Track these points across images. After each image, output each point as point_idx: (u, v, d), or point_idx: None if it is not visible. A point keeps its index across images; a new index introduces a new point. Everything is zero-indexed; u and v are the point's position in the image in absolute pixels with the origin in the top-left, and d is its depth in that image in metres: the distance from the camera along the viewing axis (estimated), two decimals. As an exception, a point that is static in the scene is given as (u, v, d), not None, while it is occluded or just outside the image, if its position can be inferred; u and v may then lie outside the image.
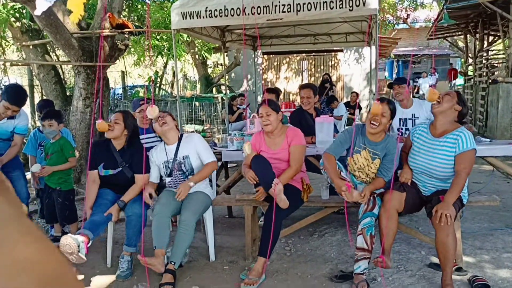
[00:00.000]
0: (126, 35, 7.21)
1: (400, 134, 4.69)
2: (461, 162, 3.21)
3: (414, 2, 24.03)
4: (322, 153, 3.80)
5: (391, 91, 4.95)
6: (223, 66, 10.08)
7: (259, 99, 5.36)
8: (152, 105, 3.66)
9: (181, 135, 3.93)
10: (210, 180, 4.59)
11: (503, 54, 11.98)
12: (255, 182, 3.67)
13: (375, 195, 3.53)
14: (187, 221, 3.57)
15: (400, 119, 4.73)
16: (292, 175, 3.72)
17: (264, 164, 3.65)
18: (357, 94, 11.59)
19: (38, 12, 3.11)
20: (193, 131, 12.38)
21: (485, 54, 12.64)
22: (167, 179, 3.85)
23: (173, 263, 3.48)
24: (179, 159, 3.82)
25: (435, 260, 3.67)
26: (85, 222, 3.58)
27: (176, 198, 3.63)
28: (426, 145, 3.41)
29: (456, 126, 3.35)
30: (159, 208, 3.65)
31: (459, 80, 19.54)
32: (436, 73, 20.29)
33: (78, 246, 3.25)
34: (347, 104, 10.49)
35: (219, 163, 5.04)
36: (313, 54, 17.01)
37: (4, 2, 6.87)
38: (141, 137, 4.44)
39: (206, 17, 5.46)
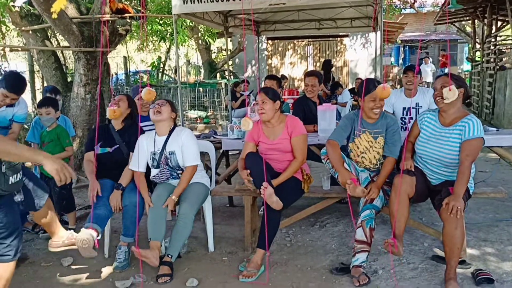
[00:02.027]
0: (128, 20, 7.10)
1: (403, 123, 4.59)
2: (464, 150, 3.13)
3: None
4: (326, 141, 3.70)
5: (404, 76, 4.73)
6: (226, 52, 9.94)
7: (263, 85, 5.27)
8: (148, 87, 3.58)
9: (173, 128, 3.76)
10: (209, 169, 4.53)
11: (511, 40, 11.78)
12: (249, 183, 3.57)
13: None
14: (186, 214, 3.50)
15: (403, 108, 4.62)
16: (297, 168, 3.61)
17: (257, 164, 3.50)
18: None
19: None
20: (196, 118, 12.29)
21: (493, 40, 12.43)
22: (154, 171, 3.72)
23: (170, 256, 3.42)
24: (166, 154, 3.69)
25: (438, 252, 3.61)
26: (92, 216, 3.51)
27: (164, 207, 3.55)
28: (435, 134, 3.34)
29: (465, 113, 3.27)
30: (155, 199, 3.58)
31: (467, 66, 19.24)
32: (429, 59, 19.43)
33: (93, 240, 3.29)
34: (352, 91, 10.35)
35: (220, 151, 4.97)
36: (319, 39, 16.82)
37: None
38: (141, 124, 4.37)
39: (207, 1, 5.36)
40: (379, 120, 3.61)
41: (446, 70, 19.22)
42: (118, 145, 3.86)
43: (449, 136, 3.26)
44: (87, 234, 3.27)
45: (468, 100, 3.36)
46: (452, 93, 3.13)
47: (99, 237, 3.40)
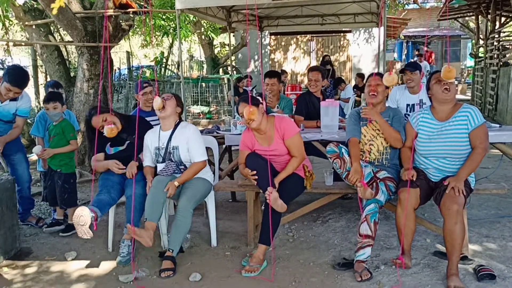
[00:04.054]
0: (131, 15, 7.10)
1: (407, 120, 4.58)
2: (476, 138, 3.23)
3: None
4: (346, 140, 3.71)
5: (403, 76, 4.78)
6: (229, 47, 9.95)
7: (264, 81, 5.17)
8: (155, 96, 3.63)
9: (178, 123, 3.78)
10: (212, 164, 4.54)
11: (515, 35, 11.73)
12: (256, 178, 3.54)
13: (378, 180, 3.47)
14: (184, 208, 3.52)
15: (407, 105, 4.62)
16: (297, 167, 3.61)
17: (259, 165, 3.50)
18: (363, 77, 11.24)
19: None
20: (199, 113, 12.31)
21: (496, 36, 12.38)
22: (160, 166, 3.73)
23: (171, 250, 3.44)
24: (169, 149, 3.70)
25: (441, 248, 3.61)
26: (92, 200, 3.57)
27: (166, 191, 3.56)
28: (435, 131, 3.36)
29: (458, 104, 3.37)
30: (156, 182, 3.60)
31: (470, 62, 19.13)
32: (422, 59, 18.82)
33: (91, 219, 3.32)
34: (355, 87, 10.33)
35: (223, 146, 4.98)
36: (322, 34, 16.78)
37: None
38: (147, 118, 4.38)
39: (210, -4, 5.35)
40: (385, 112, 3.68)
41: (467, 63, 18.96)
42: (129, 141, 3.90)
43: (452, 129, 3.30)
44: (86, 211, 3.31)
45: None
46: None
47: (97, 220, 3.43)
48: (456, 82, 3.37)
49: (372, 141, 3.66)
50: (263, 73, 5.21)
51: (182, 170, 3.72)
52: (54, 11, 3.20)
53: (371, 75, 3.79)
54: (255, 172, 3.50)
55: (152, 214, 3.49)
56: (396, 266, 3.29)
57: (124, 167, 3.77)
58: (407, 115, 4.61)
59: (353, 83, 14.98)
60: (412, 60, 18.10)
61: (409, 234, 3.30)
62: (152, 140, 3.77)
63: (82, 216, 3.29)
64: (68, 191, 4.23)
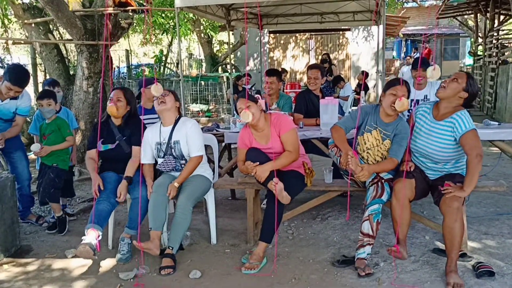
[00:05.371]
0: (130, 13, 7.10)
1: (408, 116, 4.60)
2: (465, 145, 3.13)
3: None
4: (331, 127, 3.72)
5: (413, 71, 4.72)
6: (228, 45, 9.95)
7: (263, 80, 5.12)
8: (156, 82, 3.61)
9: (179, 118, 3.80)
10: (212, 162, 4.55)
11: (514, 34, 11.75)
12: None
13: (383, 180, 3.46)
14: (183, 205, 3.52)
15: (411, 100, 4.62)
16: (290, 161, 3.58)
17: (260, 156, 3.52)
18: (367, 74, 11.19)
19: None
20: (198, 111, 12.31)
21: (495, 34, 12.40)
22: (159, 160, 3.75)
23: (171, 247, 3.45)
24: (171, 144, 3.71)
25: (440, 245, 3.63)
26: (93, 214, 3.50)
27: (168, 195, 3.57)
28: (426, 127, 3.35)
29: (458, 109, 3.26)
30: (156, 187, 3.61)
31: (468, 60, 19.14)
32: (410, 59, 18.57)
33: (94, 250, 3.34)
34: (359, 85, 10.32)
35: (222, 144, 4.99)
36: (321, 32, 16.79)
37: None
38: (144, 117, 4.38)
39: (210, -5, 5.36)
40: (393, 123, 3.55)
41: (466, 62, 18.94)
42: (118, 142, 3.87)
43: (439, 131, 3.26)
44: (87, 247, 3.30)
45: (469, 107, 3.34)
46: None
47: (99, 238, 3.43)
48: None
49: (369, 149, 3.63)
50: (262, 72, 5.22)
51: (182, 164, 3.73)
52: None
53: (395, 81, 3.53)
54: (257, 163, 3.48)
55: (156, 223, 3.50)
56: (391, 254, 3.21)
57: (97, 195, 3.67)
58: (410, 110, 4.63)
59: (352, 81, 15.01)
60: (413, 54, 18.14)
61: (404, 225, 3.27)
62: (153, 135, 3.77)
63: (85, 251, 3.30)
64: (56, 186, 4.18)
